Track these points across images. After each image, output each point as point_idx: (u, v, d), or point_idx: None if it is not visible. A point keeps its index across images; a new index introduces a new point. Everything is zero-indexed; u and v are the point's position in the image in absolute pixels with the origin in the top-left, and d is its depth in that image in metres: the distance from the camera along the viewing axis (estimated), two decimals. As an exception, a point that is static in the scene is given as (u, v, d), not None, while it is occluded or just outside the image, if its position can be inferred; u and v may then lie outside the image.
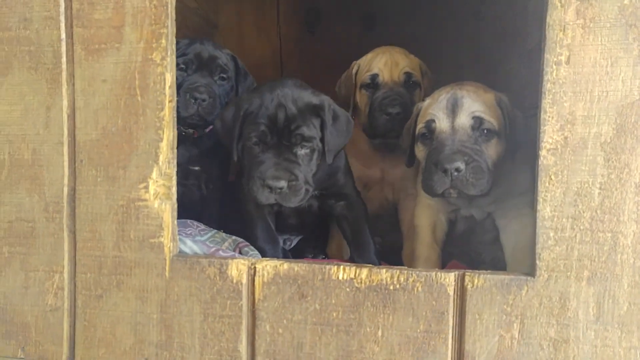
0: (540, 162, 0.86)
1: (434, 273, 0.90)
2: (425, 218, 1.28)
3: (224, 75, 1.42)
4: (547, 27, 0.85)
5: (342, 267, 0.94)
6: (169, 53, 0.98)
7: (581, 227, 0.86)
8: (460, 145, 1.06)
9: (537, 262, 0.87)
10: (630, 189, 0.84)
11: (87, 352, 1.03)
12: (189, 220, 1.25)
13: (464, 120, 1.10)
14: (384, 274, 0.92)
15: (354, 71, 1.47)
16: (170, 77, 0.98)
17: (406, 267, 0.93)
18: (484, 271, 0.90)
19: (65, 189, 1.02)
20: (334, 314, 0.94)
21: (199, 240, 1.15)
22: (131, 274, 1.01)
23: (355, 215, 1.29)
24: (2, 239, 1.06)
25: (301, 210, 1.32)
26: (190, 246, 1.03)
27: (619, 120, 0.83)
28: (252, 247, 1.19)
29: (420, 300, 0.91)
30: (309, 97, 1.18)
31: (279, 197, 1.10)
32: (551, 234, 0.86)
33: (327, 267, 0.94)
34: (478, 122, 1.09)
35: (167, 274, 0.99)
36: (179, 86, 1.31)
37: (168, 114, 0.98)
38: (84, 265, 1.02)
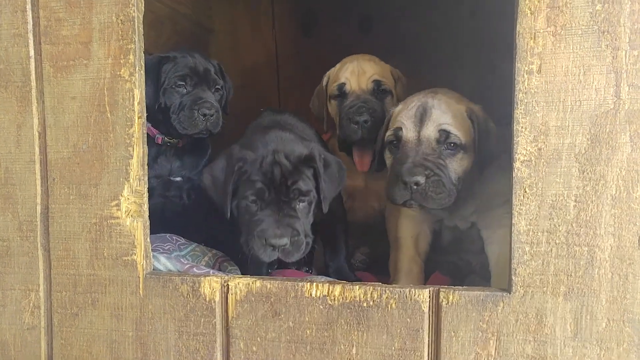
0: (514, 175, 0.89)
1: (407, 289, 0.94)
2: (408, 229, 1.32)
3: (218, 87, 1.51)
4: (517, 35, 0.87)
5: (315, 284, 0.97)
6: (137, 69, 1.02)
7: (557, 241, 0.88)
8: (422, 158, 1.12)
9: (513, 277, 0.90)
10: (606, 201, 0.86)
11: (65, 371, 1.09)
12: (167, 235, 1.30)
13: (430, 132, 1.15)
14: (357, 290, 0.96)
15: (324, 83, 1.51)
16: (139, 93, 1.03)
17: (380, 284, 0.97)
18: (459, 287, 0.93)
19: (39, 208, 1.08)
20: (308, 332, 0.98)
21: (177, 256, 1.20)
22: (106, 292, 1.06)
23: (334, 221, 1.34)
24: (-22, 258, 1.12)
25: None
26: (164, 263, 1.08)
27: (593, 130, 0.85)
28: (231, 263, 1.24)
29: (395, 317, 0.94)
30: (300, 148, 1.21)
31: (281, 254, 1.14)
32: (527, 249, 0.89)
33: (300, 284, 0.98)
34: (444, 135, 1.14)
35: (141, 291, 1.04)
36: (182, 103, 1.40)
37: (138, 131, 1.03)
38: (59, 284, 1.08)
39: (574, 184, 0.87)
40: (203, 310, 1.02)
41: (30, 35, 1.06)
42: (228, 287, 1.01)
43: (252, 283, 1.00)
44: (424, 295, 0.93)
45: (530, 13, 0.87)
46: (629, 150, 0.84)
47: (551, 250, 0.88)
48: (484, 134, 1.16)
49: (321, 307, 0.97)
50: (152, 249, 1.17)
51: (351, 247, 1.48)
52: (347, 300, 0.96)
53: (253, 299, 1.00)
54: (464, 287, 0.94)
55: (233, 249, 1.35)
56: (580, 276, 0.88)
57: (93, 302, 1.07)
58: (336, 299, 0.96)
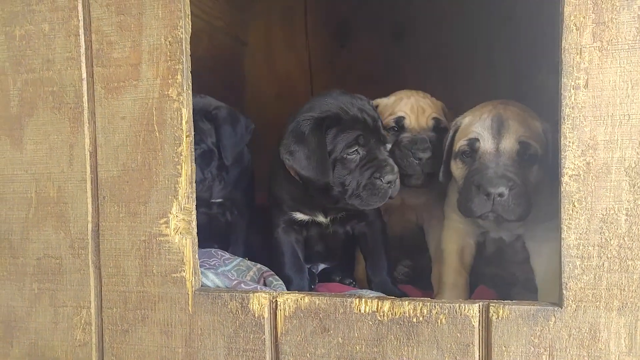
0: (562, 189, 0.96)
1: (457, 305, 1.02)
2: (453, 242, 1.39)
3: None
4: (563, 51, 0.96)
5: (364, 299, 1.06)
6: (184, 88, 1.14)
7: (609, 255, 0.95)
8: (504, 169, 1.19)
9: (564, 291, 0.97)
10: (658, 215, 0.92)
11: (115, 387, 1.20)
12: (213, 250, 1.41)
13: (510, 143, 1.22)
14: (407, 306, 1.04)
15: (379, 109, 1.59)
16: (186, 113, 1.14)
17: (429, 299, 1.05)
18: (510, 301, 1.01)
19: (90, 225, 1.20)
20: (357, 348, 1.06)
21: (222, 272, 1.30)
22: (155, 308, 1.17)
23: (372, 235, 1.45)
24: (31, 275, 1.25)
25: (327, 236, 1.46)
26: (212, 279, 1.19)
27: (643, 144, 0.92)
28: (276, 277, 1.34)
29: (445, 332, 1.02)
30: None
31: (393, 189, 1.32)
32: (577, 263, 0.96)
33: (349, 300, 1.07)
34: (524, 147, 1.22)
35: (190, 308, 1.15)
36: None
37: (186, 149, 1.14)
38: (109, 301, 1.19)
39: (625, 198, 0.94)
40: (252, 327, 1.11)
41: (83, 59, 1.19)
42: (277, 303, 1.10)
43: (301, 299, 1.09)
44: (473, 310, 1.01)
45: (576, 29, 0.95)
46: (680, 163, 0.91)
47: (603, 264, 0.96)
48: (555, 150, 1.20)
49: (370, 322, 1.06)
50: (199, 265, 1.28)
51: (392, 261, 1.56)
52: (397, 316, 1.05)
53: (302, 314, 1.09)
54: (514, 301, 1.01)
55: (271, 262, 1.47)
56: (634, 290, 0.95)
57: (143, 319, 1.18)
58: (385, 314, 1.05)
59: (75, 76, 1.20)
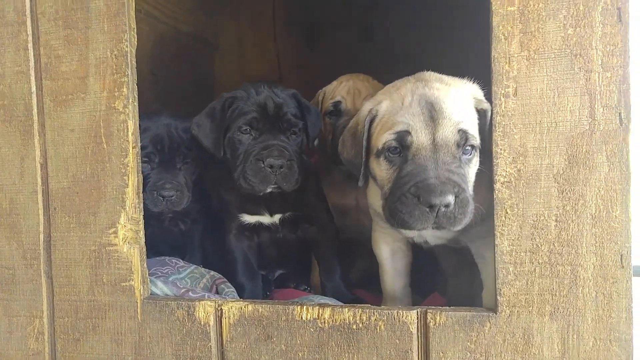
0: (495, 196, 0.95)
1: (395, 311, 1.01)
2: (383, 247, 1.31)
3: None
4: (493, 60, 0.95)
5: (305, 307, 1.05)
6: (130, 100, 1.13)
7: (540, 261, 0.94)
8: (446, 170, 0.98)
9: (499, 297, 0.96)
10: (586, 221, 0.92)
11: (68, 395, 1.19)
12: (167, 258, 1.40)
13: (448, 133, 1.00)
14: (347, 313, 1.03)
15: (320, 98, 1.59)
16: (132, 124, 1.13)
17: (368, 305, 1.04)
18: (447, 307, 1.00)
19: (41, 236, 1.19)
20: (300, 355, 1.05)
21: (174, 280, 1.29)
22: (105, 317, 1.16)
23: (324, 240, 1.44)
24: (-15, 286, 1.23)
25: (280, 241, 1.45)
26: (161, 288, 1.17)
27: (570, 150, 0.92)
28: (228, 285, 1.33)
29: (384, 339, 1.01)
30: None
31: (279, 177, 1.30)
32: (510, 269, 0.95)
33: (291, 307, 1.06)
34: (464, 137, 1.01)
35: (139, 316, 1.14)
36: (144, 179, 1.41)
37: (132, 160, 1.13)
38: (61, 310, 1.18)
39: (554, 204, 0.93)
40: (199, 334, 1.10)
41: (32, 72, 1.18)
42: (222, 311, 1.09)
43: (245, 307, 1.08)
44: (411, 316, 1.00)
45: (504, 38, 0.94)
46: (607, 169, 0.91)
47: (535, 269, 0.95)
48: (490, 124, 0.98)
49: (312, 329, 1.05)
50: (150, 273, 1.27)
51: (347, 264, 1.55)
52: (337, 323, 1.04)
53: (246, 322, 1.08)
54: (452, 307, 1.00)
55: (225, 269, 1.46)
56: (565, 295, 0.94)
57: (94, 327, 1.17)
58: (326, 321, 1.04)
59: (25, 89, 1.19)
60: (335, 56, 2.68)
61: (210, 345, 1.10)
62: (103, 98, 1.14)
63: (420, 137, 1.02)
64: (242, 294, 1.38)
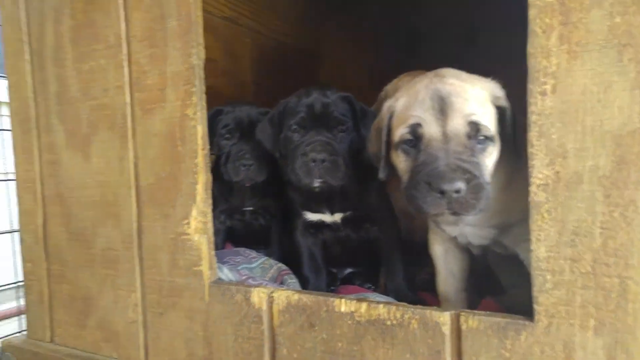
0: (531, 199, 0.90)
1: (428, 311, 1.00)
2: (436, 245, 1.28)
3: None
4: (529, 56, 0.88)
5: (343, 300, 1.10)
6: (199, 108, 1.27)
7: (582, 271, 0.87)
8: (456, 159, 1.01)
9: (535, 306, 0.91)
10: (637, 229, 0.82)
11: (157, 359, 1.39)
12: (242, 249, 1.54)
13: (457, 125, 1.04)
14: (381, 309, 1.05)
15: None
16: (201, 129, 1.27)
17: (403, 303, 1.05)
18: (480, 312, 0.97)
19: (134, 225, 1.40)
20: (339, 344, 1.11)
21: (245, 268, 1.43)
22: (181, 296, 1.33)
23: (386, 239, 1.44)
24: (99, 263, 1.49)
25: (344, 240, 1.50)
26: (226, 273, 1.31)
27: (618, 151, 0.83)
28: (292, 276, 1.42)
29: (417, 337, 1.02)
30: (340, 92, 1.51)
31: (322, 170, 1.36)
32: (548, 277, 0.89)
33: (331, 299, 1.11)
34: (475, 128, 1.04)
35: (206, 297, 1.28)
36: (227, 153, 1.66)
37: (201, 161, 1.27)
38: (149, 287, 1.39)
39: (599, 209, 0.85)
40: (253, 317, 1.22)
41: (127, 86, 1.39)
42: (272, 298, 1.19)
43: (291, 295, 1.17)
44: (444, 317, 0.99)
45: (542, 32, 0.88)
46: (661, 172, 0.80)
47: (576, 279, 0.87)
48: (511, 122, 1.06)
49: (349, 322, 1.09)
50: (223, 261, 1.42)
51: (414, 267, 1.55)
52: (372, 318, 1.06)
53: (292, 310, 1.16)
54: (485, 312, 0.97)
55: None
56: (612, 310, 0.85)
57: (173, 305, 1.35)
58: (362, 315, 1.08)
59: (122, 101, 1.40)
60: (436, 61, 2.63)
61: (263, 329, 1.20)
62: (177, 106, 1.30)
63: (431, 129, 1.06)
64: (306, 286, 1.47)
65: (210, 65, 2.40)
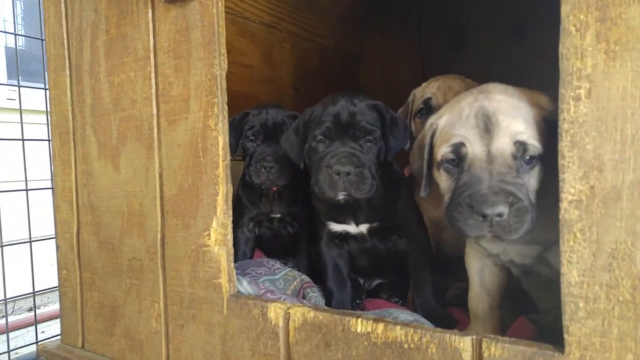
0: (561, 216, 0.81)
1: (448, 335, 0.93)
2: (473, 259, 1.22)
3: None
4: (561, 57, 0.80)
5: (360, 319, 1.04)
6: (220, 119, 1.26)
7: (620, 299, 0.77)
8: (499, 181, 0.97)
9: (566, 336, 0.81)
10: (686, 253, 0.71)
11: (178, 371, 1.38)
12: (265, 260, 1.51)
13: (503, 145, 0.99)
14: (399, 331, 0.99)
15: (410, 100, 1.52)
16: (222, 140, 1.26)
17: (422, 326, 0.98)
18: (505, 338, 0.88)
19: (158, 235, 1.40)
20: (355, 366, 1.04)
21: (265, 280, 1.39)
22: (201, 309, 1.31)
23: (414, 252, 1.36)
24: (125, 272, 1.50)
25: (370, 251, 1.43)
26: (245, 287, 1.28)
27: (663, 164, 0.73)
28: (314, 289, 1.37)
29: (436, 363, 0.94)
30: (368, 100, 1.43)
31: (347, 183, 1.29)
32: (581, 304, 0.80)
33: (347, 318, 1.06)
34: (521, 148, 0.99)
35: (225, 311, 1.26)
36: (251, 155, 1.66)
37: (222, 172, 1.26)
38: (171, 298, 1.38)
39: (640, 230, 0.75)
40: (270, 333, 1.17)
41: (153, 97, 1.40)
42: (289, 315, 1.14)
43: (307, 312, 1.12)
44: (465, 343, 0.91)
45: (576, 30, 0.79)
46: None
47: (613, 308, 0.77)
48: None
49: (365, 343, 1.03)
50: (245, 272, 1.39)
51: (444, 281, 1.46)
52: (389, 340, 1.00)
53: (308, 327, 1.11)
54: (511, 339, 0.88)
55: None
56: (657, 344, 0.74)
57: (193, 317, 1.33)
58: (379, 336, 1.01)
59: (149, 112, 1.42)
60: (482, 57, 2.56)
61: (280, 346, 1.16)
62: (200, 117, 1.30)
63: (475, 148, 1.02)
64: (330, 300, 1.42)
65: (248, 71, 2.43)
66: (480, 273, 1.24)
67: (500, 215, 0.96)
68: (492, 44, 2.52)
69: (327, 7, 2.83)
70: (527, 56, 2.34)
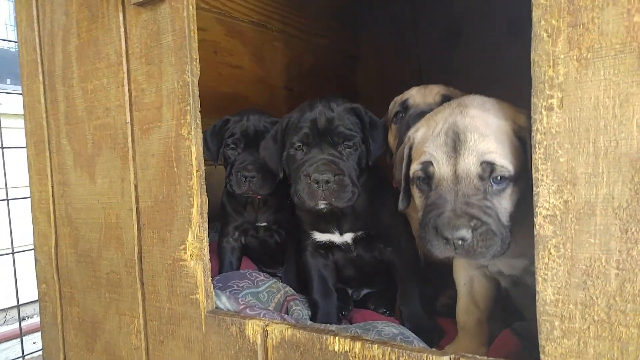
0: (536, 232, 0.81)
1: (425, 355, 0.94)
2: (461, 270, 1.23)
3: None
4: (532, 64, 0.80)
5: (337, 338, 1.05)
6: (193, 127, 1.27)
7: (595, 318, 0.77)
8: (464, 203, 0.97)
9: (542, 356, 0.82)
10: (662, 271, 0.72)
11: (159, 388, 1.40)
12: (248, 272, 1.53)
13: (469, 165, 0.99)
14: (376, 350, 1.00)
15: (390, 108, 1.52)
16: (195, 149, 1.27)
17: (399, 344, 0.99)
18: (483, 357, 0.89)
19: (136, 248, 1.42)
20: (333, 386, 1.05)
21: (247, 293, 1.41)
22: (180, 324, 1.33)
23: (401, 262, 1.37)
24: (104, 286, 1.53)
25: (356, 261, 1.44)
26: (224, 302, 1.30)
27: (637, 177, 0.73)
28: (297, 302, 1.39)
29: (414, 383, 0.95)
30: (347, 103, 1.43)
31: (327, 192, 1.30)
32: (556, 323, 0.80)
33: (324, 336, 1.07)
34: (488, 169, 0.99)
35: (203, 327, 1.28)
36: (232, 164, 1.67)
37: (196, 183, 1.27)
38: (150, 314, 1.40)
39: (615, 247, 0.75)
40: (248, 352, 1.19)
41: (127, 105, 1.42)
42: (267, 332, 1.16)
43: (285, 330, 1.13)
44: (442, 363, 0.92)
45: (548, 36, 0.79)
46: (689, 204, 0.69)
47: (588, 328, 0.78)
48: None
49: (343, 362, 1.04)
50: (227, 285, 1.41)
51: (434, 289, 1.47)
52: (367, 359, 1.01)
53: (286, 346, 1.13)
54: (489, 358, 0.88)
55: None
56: (634, 366, 0.75)
57: (172, 333, 1.35)
58: (356, 355, 1.02)
59: (123, 120, 1.43)
60: (479, 54, 2.58)
61: (258, 364, 1.18)
62: (173, 125, 1.31)
63: (442, 168, 1.03)
64: (315, 312, 1.43)
65: (237, 72, 2.44)
66: (469, 285, 1.25)
67: (463, 239, 0.97)
68: (488, 43, 2.54)
69: (319, 5, 2.82)
70: (523, 55, 2.32)
